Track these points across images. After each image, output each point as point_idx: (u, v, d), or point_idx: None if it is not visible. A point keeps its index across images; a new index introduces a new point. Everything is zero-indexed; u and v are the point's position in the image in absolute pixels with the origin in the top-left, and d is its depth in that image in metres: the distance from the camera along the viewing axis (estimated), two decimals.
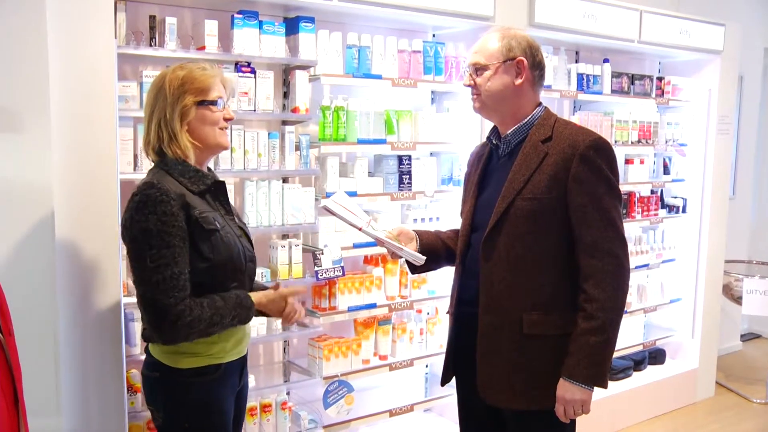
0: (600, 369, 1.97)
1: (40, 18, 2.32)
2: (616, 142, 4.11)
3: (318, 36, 3.11)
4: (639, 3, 4.12)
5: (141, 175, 2.18)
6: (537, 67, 2.10)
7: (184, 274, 1.86)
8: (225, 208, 2.06)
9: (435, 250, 2.28)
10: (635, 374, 4.48)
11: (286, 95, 3.15)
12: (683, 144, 4.52)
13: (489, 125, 2.24)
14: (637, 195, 4.30)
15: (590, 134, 2.03)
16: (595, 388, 2.00)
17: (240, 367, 2.11)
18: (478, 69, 2.09)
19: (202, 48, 2.81)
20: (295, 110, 3.05)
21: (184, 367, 1.95)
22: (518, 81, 2.07)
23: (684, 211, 4.59)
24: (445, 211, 3.55)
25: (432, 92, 3.71)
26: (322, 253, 3.05)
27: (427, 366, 3.76)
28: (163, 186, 1.86)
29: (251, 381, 2.83)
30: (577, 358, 1.96)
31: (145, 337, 2.05)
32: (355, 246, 3.22)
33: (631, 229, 4.33)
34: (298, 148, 3.06)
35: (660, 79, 4.44)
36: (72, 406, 2.46)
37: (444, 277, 3.34)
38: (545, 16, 3.62)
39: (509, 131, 2.12)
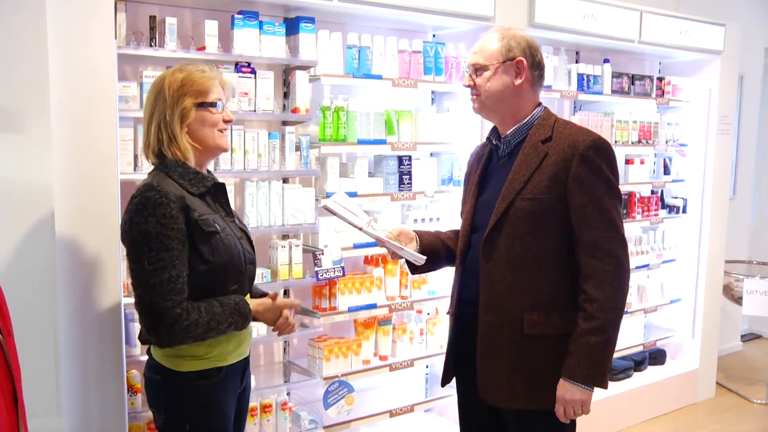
0: (600, 369, 1.97)
1: (40, 18, 2.32)
2: (616, 142, 4.11)
3: (318, 36, 3.11)
4: (639, 3, 4.12)
5: (141, 176, 2.18)
6: (536, 67, 2.10)
7: (182, 278, 1.86)
8: (225, 209, 2.06)
9: (435, 251, 2.28)
10: (635, 374, 4.48)
11: (286, 95, 3.15)
12: (683, 144, 4.52)
13: (489, 125, 2.24)
14: (638, 195, 4.29)
15: (590, 134, 2.03)
16: (596, 389, 2.00)
17: (242, 368, 2.11)
18: (478, 69, 2.09)
19: (203, 48, 2.81)
20: (295, 110, 3.05)
21: (185, 370, 1.95)
22: (518, 81, 2.07)
23: (684, 211, 4.59)
24: (445, 212, 3.55)
25: (432, 92, 3.71)
26: (323, 254, 3.05)
27: (427, 366, 3.76)
28: (163, 188, 1.86)
29: (252, 381, 2.82)
30: (577, 358, 1.95)
31: (143, 339, 2.05)
32: (356, 246, 3.22)
33: (631, 229, 4.33)
34: (298, 148, 3.06)
35: (660, 79, 4.44)
36: (72, 407, 2.46)
37: (444, 278, 3.34)
38: (545, 16, 3.62)
39: (509, 131, 2.12)
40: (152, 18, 2.77)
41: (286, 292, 3.26)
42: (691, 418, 4.44)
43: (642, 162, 4.33)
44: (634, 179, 4.27)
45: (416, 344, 3.52)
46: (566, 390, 1.97)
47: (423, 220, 3.51)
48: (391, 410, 3.41)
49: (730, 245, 5.02)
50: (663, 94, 4.43)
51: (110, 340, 2.50)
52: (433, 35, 3.68)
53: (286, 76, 3.15)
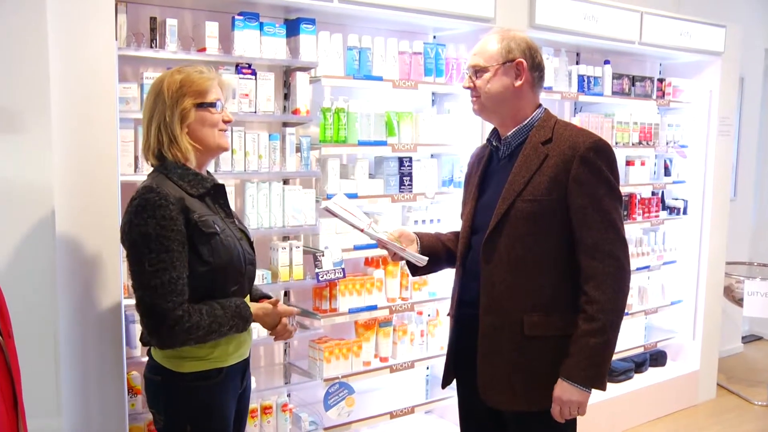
0: (599, 371, 1.97)
1: (40, 18, 2.33)
2: (616, 143, 4.11)
3: (319, 37, 3.11)
4: (640, 4, 4.12)
5: (142, 177, 2.18)
6: (536, 68, 2.10)
7: (183, 279, 1.86)
8: (225, 210, 2.06)
9: (435, 252, 2.27)
10: (636, 376, 4.48)
11: (286, 97, 3.15)
12: (684, 145, 4.51)
13: (490, 127, 2.24)
14: (638, 197, 4.29)
15: (590, 136, 2.03)
16: (594, 391, 1.99)
17: (242, 370, 2.11)
18: (478, 71, 2.09)
19: (203, 49, 2.81)
20: (295, 112, 3.05)
21: (186, 371, 1.95)
22: (518, 83, 2.07)
23: (685, 212, 4.59)
24: (445, 213, 3.55)
25: (433, 94, 3.71)
26: (323, 255, 3.05)
27: (428, 368, 3.76)
28: (162, 190, 1.86)
29: (252, 383, 2.82)
30: (576, 359, 1.95)
31: (144, 341, 2.05)
32: (356, 248, 3.22)
33: (631, 230, 4.32)
34: (298, 149, 3.06)
35: (661, 80, 4.44)
36: (72, 407, 2.46)
37: (445, 279, 3.34)
38: (546, 17, 3.62)
39: (509, 133, 2.12)
40: (153, 19, 2.77)
41: (286, 294, 3.26)
42: (692, 419, 4.44)
43: (642, 163, 4.33)
44: (634, 181, 4.27)
45: (417, 346, 3.52)
46: (564, 390, 1.97)
47: (423, 221, 3.51)
48: (392, 412, 3.41)
49: (731, 247, 5.02)
50: (663, 95, 4.43)
51: (110, 341, 2.50)
52: (434, 37, 3.68)
53: (286, 77, 3.15)
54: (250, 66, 2.91)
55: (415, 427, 3.69)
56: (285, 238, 3.16)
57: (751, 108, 5.87)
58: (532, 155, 2.04)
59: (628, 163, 4.28)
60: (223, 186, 2.06)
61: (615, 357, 4.23)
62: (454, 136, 3.51)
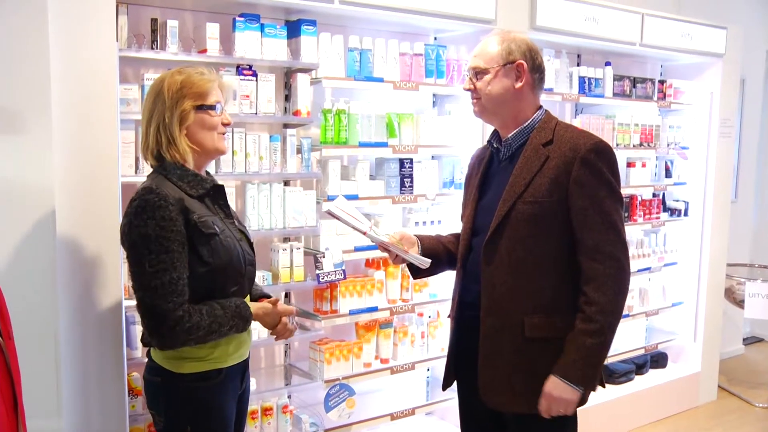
0: (594, 371, 1.98)
1: (41, 19, 2.32)
2: (617, 145, 4.11)
3: (319, 39, 3.11)
4: (641, 6, 4.12)
5: (142, 178, 2.19)
6: (537, 70, 2.10)
7: (183, 279, 1.86)
8: (224, 211, 2.06)
9: (436, 254, 2.27)
10: (637, 378, 4.47)
11: (287, 98, 3.15)
12: (685, 147, 4.51)
13: (490, 128, 2.23)
14: (639, 198, 4.29)
15: (591, 137, 2.03)
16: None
17: (242, 371, 2.11)
18: (478, 73, 2.09)
19: (204, 51, 2.81)
20: (296, 113, 3.05)
21: (185, 371, 1.95)
22: (518, 84, 2.07)
23: (686, 214, 4.58)
24: (446, 215, 3.55)
25: (433, 95, 3.71)
26: (324, 257, 3.05)
27: (428, 369, 3.76)
28: (162, 191, 1.86)
29: (252, 384, 2.83)
30: (572, 357, 1.95)
31: (145, 342, 2.04)
32: (357, 249, 3.22)
33: (632, 232, 4.32)
34: (299, 151, 3.06)
35: (662, 82, 4.44)
36: (72, 408, 2.45)
37: (445, 281, 3.34)
38: (547, 19, 3.62)
39: (510, 135, 2.12)
40: (154, 20, 2.77)
41: (287, 295, 3.26)
42: (693, 421, 4.43)
43: (643, 165, 4.32)
44: (635, 182, 4.27)
45: (417, 347, 3.52)
46: (556, 387, 1.97)
47: (424, 223, 3.51)
48: (392, 413, 3.40)
49: (732, 248, 5.01)
50: (664, 97, 4.43)
51: (111, 342, 2.50)
52: (435, 38, 3.68)
53: (287, 78, 3.16)
54: (250, 67, 2.91)
55: (416, 428, 3.69)
56: (286, 240, 3.16)
57: (752, 110, 5.86)
58: (533, 157, 2.04)
59: (629, 164, 4.28)
60: (222, 187, 2.06)
61: (616, 359, 4.28)
62: (455, 137, 3.51)
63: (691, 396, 4.63)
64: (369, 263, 3.45)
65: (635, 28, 4.04)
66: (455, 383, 2.27)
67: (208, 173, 2.10)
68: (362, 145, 3.20)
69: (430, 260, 2.19)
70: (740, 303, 4.74)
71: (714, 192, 4.53)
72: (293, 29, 3.07)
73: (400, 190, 3.36)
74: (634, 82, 4.27)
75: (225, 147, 2.07)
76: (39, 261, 2.42)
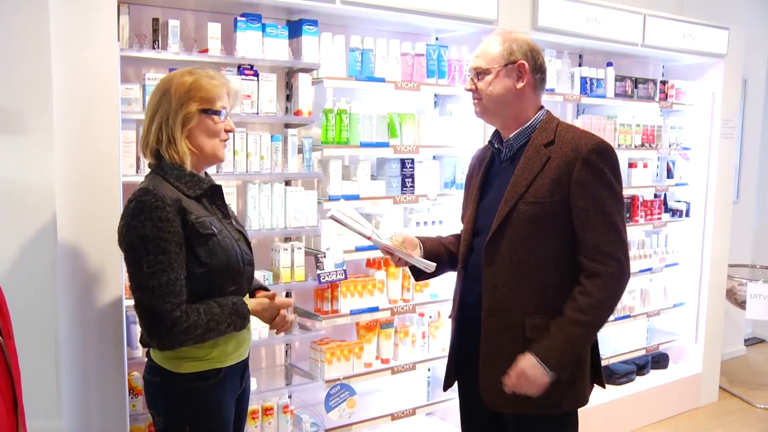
0: (570, 359, 1.98)
1: (42, 19, 2.32)
2: (619, 145, 4.10)
3: (321, 39, 3.11)
4: (643, 7, 4.11)
5: (143, 178, 2.18)
6: (538, 70, 2.09)
7: (181, 280, 1.86)
8: (222, 211, 2.05)
9: (438, 256, 2.27)
10: (638, 378, 4.47)
11: (288, 98, 3.15)
12: (687, 148, 4.51)
13: (492, 129, 2.23)
14: (641, 199, 4.28)
15: (593, 138, 2.02)
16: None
17: (241, 370, 2.11)
18: (480, 73, 2.09)
19: (205, 51, 2.81)
20: (297, 113, 3.05)
21: (185, 371, 1.95)
22: (519, 84, 2.06)
23: (687, 215, 4.58)
24: (447, 215, 3.54)
25: (435, 95, 3.71)
26: (325, 257, 3.05)
27: (429, 370, 3.76)
28: (159, 192, 1.86)
29: (253, 384, 2.83)
30: (556, 342, 1.95)
31: (144, 342, 2.04)
32: (358, 249, 3.22)
33: (634, 233, 4.32)
34: (300, 151, 3.06)
35: (664, 82, 4.43)
36: (73, 408, 2.46)
37: (446, 281, 3.32)
38: (549, 19, 3.62)
39: (511, 135, 2.12)
40: (155, 20, 2.77)
41: (288, 295, 3.26)
42: (694, 422, 4.43)
43: (645, 165, 4.32)
44: (637, 183, 4.26)
45: (418, 347, 3.52)
46: (531, 367, 1.95)
47: (425, 223, 3.51)
48: (393, 413, 3.40)
49: (734, 249, 5.01)
50: (666, 97, 4.42)
51: (111, 342, 2.50)
52: (436, 38, 3.68)
53: (288, 78, 3.16)
54: (252, 67, 2.91)
55: (417, 428, 3.69)
56: (286, 240, 3.15)
57: (754, 110, 5.86)
58: (534, 157, 2.04)
59: (631, 165, 4.27)
60: (219, 187, 2.05)
61: (616, 359, 4.28)
62: (456, 137, 3.51)
63: (692, 397, 4.63)
64: (370, 263, 3.44)
65: (637, 29, 4.04)
66: (456, 384, 2.27)
67: (206, 173, 2.10)
68: (363, 145, 3.20)
69: (435, 264, 2.19)
70: (742, 304, 4.74)
71: (716, 193, 4.52)
72: (295, 29, 3.07)
73: (402, 190, 3.36)
74: (636, 82, 4.27)
75: (224, 155, 2.07)
76: (39, 261, 2.42)
